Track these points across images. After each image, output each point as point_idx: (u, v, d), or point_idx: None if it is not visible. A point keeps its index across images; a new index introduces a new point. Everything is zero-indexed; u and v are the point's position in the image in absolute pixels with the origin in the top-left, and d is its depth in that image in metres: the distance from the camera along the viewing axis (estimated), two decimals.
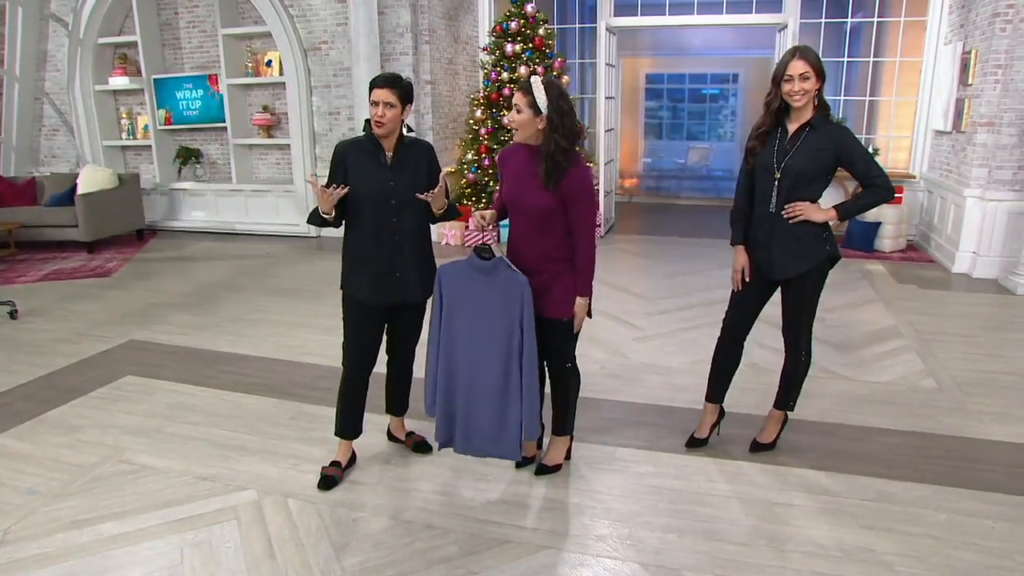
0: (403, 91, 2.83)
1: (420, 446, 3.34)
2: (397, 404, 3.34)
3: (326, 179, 2.89)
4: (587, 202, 2.74)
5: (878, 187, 2.90)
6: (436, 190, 2.81)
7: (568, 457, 3.20)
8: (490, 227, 2.84)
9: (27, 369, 4.42)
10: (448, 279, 2.81)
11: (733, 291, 3.19)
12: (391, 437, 3.43)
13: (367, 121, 2.89)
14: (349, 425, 3.11)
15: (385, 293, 2.94)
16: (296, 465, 3.22)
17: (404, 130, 2.95)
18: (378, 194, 2.86)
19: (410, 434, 3.40)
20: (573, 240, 2.76)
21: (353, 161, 2.87)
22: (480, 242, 2.78)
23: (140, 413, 3.79)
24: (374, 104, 2.79)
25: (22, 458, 3.32)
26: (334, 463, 3.11)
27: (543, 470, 3.11)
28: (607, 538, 2.68)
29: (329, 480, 3.04)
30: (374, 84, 2.82)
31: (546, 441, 3.20)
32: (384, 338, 3.12)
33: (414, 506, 2.90)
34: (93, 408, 3.86)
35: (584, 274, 2.80)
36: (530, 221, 2.77)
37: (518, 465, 3.17)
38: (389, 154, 2.89)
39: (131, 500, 2.96)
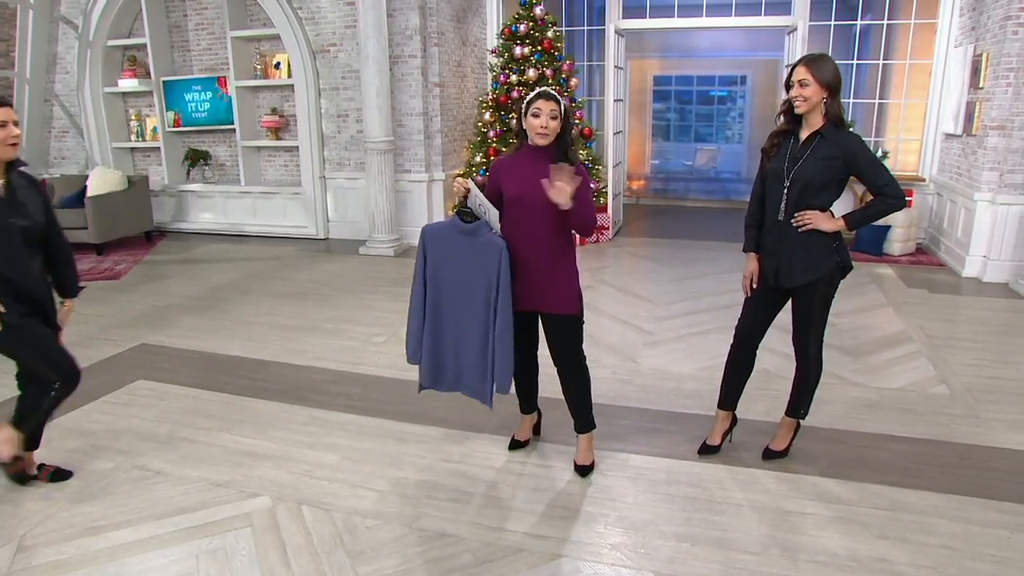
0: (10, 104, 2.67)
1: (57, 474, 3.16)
2: None
3: None
4: (589, 186, 2.93)
5: (887, 196, 2.88)
6: None
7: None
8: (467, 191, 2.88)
9: None
10: (431, 237, 2.99)
11: (746, 298, 3.19)
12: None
13: None
14: None
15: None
16: (310, 471, 3.22)
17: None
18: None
19: None
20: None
21: None
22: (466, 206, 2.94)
23: (153, 418, 3.80)
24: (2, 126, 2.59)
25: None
26: None
27: (583, 471, 3.19)
28: (621, 547, 2.68)
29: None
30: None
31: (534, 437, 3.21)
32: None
33: (428, 514, 2.90)
34: (105, 413, 3.88)
35: (585, 211, 2.84)
36: (544, 217, 2.85)
37: (510, 447, 3.38)
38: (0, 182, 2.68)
39: (145, 506, 2.97)
